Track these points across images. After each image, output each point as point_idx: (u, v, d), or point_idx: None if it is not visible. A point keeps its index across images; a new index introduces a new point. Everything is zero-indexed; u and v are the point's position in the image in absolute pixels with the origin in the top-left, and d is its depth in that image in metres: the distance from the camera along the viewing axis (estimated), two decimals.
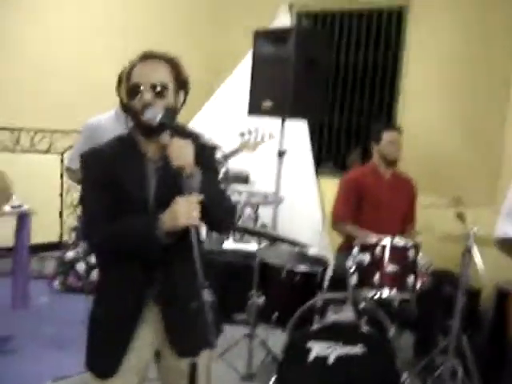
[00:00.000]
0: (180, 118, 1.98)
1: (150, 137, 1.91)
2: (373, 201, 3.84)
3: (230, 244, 4.62)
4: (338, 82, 5.98)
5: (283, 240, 3.64)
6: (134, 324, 1.97)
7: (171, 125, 1.86)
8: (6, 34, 5.18)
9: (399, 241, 3.16)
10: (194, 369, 1.79)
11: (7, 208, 4.02)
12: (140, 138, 1.95)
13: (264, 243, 3.99)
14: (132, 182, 1.92)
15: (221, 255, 4.47)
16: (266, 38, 4.53)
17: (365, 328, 3.05)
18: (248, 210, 5.09)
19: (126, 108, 2.30)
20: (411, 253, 3.14)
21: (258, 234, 3.70)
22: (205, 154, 1.96)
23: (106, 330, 1.98)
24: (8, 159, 4.73)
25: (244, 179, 5.11)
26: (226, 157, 3.63)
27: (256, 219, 5.11)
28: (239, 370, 3.64)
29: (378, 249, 3.13)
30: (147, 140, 1.93)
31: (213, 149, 2.13)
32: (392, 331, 3.30)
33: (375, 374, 3.00)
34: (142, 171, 1.94)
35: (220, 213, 1.99)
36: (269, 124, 4.56)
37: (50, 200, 4.89)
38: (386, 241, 3.14)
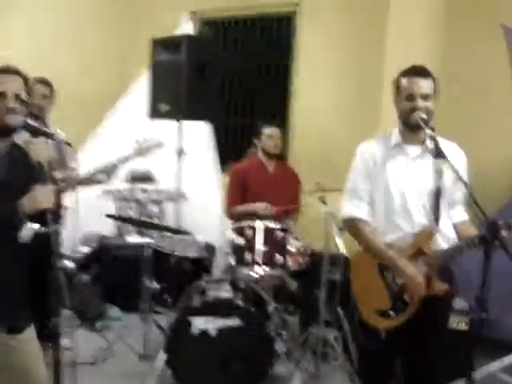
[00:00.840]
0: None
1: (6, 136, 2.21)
2: (256, 192, 4.20)
3: (132, 238, 4.94)
4: (235, 85, 6.36)
5: (169, 229, 3.97)
6: None
7: (33, 126, 2.19)
8: None
9: (268, 223, 3.54)
10: None
11: None
12: None
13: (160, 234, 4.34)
14: None
15: (123, 248, 4.83)
16: (163, 45, 4.86)
17: (240, 303, 3.43)
18: (154, 208, 5.39)
19: None
20: (279, 234, 3.52)
21: (147, 225, 4.01)
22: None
23: None
24: None
25: (148, 178, 5.42)
26: (121, 161, 3.91)
27: (162, 216, 5.41)
28: (137, 350, 3.96)
29: (250, 231, 3.51)
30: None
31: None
32: (271, 307, 3.70)
33: (251, 342, 3.39)
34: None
35: None
36: (168, 126, 4.89)
37: None
38: (258, 224, 3.53)
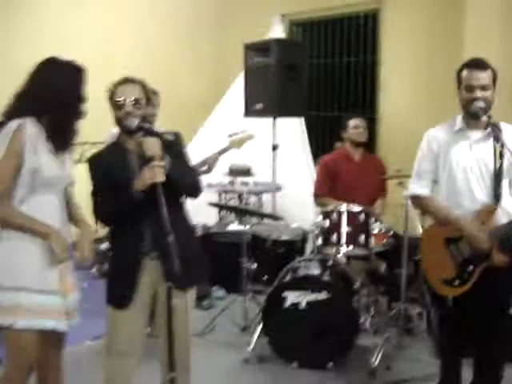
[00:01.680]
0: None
1: (131, 136, 2.74)
2: (344, 180, 4.56)
3: (233, 226, 5.46)
4: (328, 81, 6.71)
5: (264, 215, 4.43)
6: (137, 271, 2.75)
7: (144, 128, 2.69)
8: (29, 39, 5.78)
9: (352, 207, 3.90)
10: (169, 292, 2.58)
11: None
12: (125, 138, 2.78)
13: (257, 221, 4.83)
14: (119, 168, 2.75)
15: (225, 236, 5.36)
16: (254, 49, 5.35)
17: (327, 278, 3.82)
18: (252, 198, 5.89)
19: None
20: (362, 217, 3.86)
21: (245, 212, 4.49)
22: (171, 145, 2.78)
23: (118, 276, 2.80)
24: None
25: (247, 172, 5.91)
26: (220, 153, 4.41)
27: (259, 206, 5.89)
28: (238, 323, 4.45)
29: (335, 214, 3.88)
30: (129, 139, 2.76)
31: (176, 141, 2.94)
32: (357, 283, 4.05)
33: (338, 315, 3.76)
34: (126, 160, 2.77)
35: (184, 182, 2.79)
36: (263, 124, 5.34)
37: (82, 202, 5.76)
38: (342, 207, 3.90)
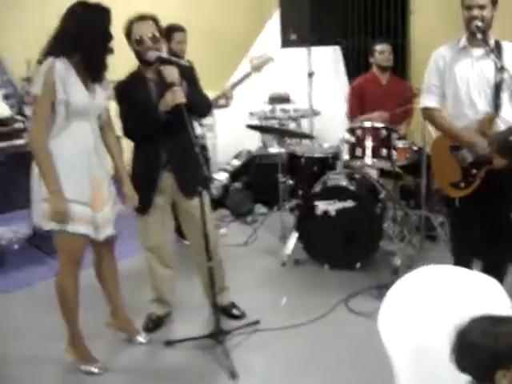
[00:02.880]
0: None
1: (150, 66, 3.20)
2: (372, 102, 4.93)
3: (273, 149, 5.93)
4: (361, 10, 6.88)
5: (298, 134, 4.87)
6: (156, 180, 3.29)
7: (163, 58, 3.16)
8: None
9: (375, 124, 4.29)
10: (201, 197, 3.10)
11: None
12: (144, 69, 3.25)
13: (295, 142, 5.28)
14: (142, 94, 3.22)
15: (266, 157, 5.86)
16: None
17: (353, 188, 4.26)
18: (292, 124, 6.30)
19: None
20: (384, 132, 4.25)
21: (280, 132, 4.94)
22: (185, 72, 3.24)
23: (140, 184, 3.28)
24: None
25: (286, 99, 6.32)
26: (241, 80, 4.68)
27: (299, 130, 6.30)
28: (276, 232, 5.02)
29: (360, 130, 4.29)
30: (148, 69, 3.23)
31: (190, 68, 3.40)
32: (383, 193, 4.47)
33: (364, 221, 4.21)
34: (146, 87, 3.24)
35: (198, 104, 3.27)
36: (299, 54, 5.67)
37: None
38: (366, 124, 4.30)
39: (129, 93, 3.22)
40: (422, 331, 1.89)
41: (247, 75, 4.48)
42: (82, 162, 2.93)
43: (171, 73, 3.10)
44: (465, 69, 3.26)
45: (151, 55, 3.12)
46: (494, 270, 3.32)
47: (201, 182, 3.05)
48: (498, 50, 3.17)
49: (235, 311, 3.68)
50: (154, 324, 3.58)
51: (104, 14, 2.90)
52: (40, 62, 2.85)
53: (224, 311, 3.62)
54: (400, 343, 1.84)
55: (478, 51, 3.24)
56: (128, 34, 3.17)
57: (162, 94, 3.12)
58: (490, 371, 1.42)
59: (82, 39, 2.85)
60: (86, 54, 2.89)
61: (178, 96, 3.04)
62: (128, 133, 3.26)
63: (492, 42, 3.20)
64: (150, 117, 3.14)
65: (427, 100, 3.44)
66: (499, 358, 1.41)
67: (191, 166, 3.00)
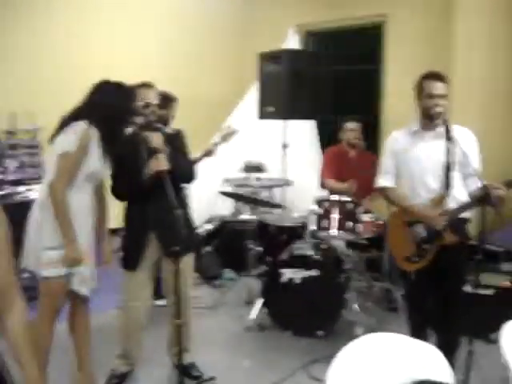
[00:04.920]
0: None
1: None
2: (341, 172, 5.16)
3: (244, 216, 6.12)
4: (339, 87, 7.29)
5: (268, 204, 5.06)
6: (144, 241, 3.47)
7: (150, 124, 3.42)
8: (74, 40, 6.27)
9: (341, 197, 4.51)
10: (177, 254, 3.20)
11: None
12: (140, 131, 3.47)
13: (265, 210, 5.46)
14: (132, 156, 3.43)
15: (237, 224, 6.04)
16: (267, 58, 5.94)
17: (318, 257, 4.43)
18: (265, 192, 6.51)
19: None
20: (350, 205, 4.46)
21: (252, 200, 5.12)
22: (170, 138, 3.49)
23: (130, 244, 3.50)
24: None
25: (261, 168, 6.55)
26: (215, 145, 4.91)
27: (271, 199, 6.50)
28: (243, 297, 5.14)
29: (327, 203, 4.49)
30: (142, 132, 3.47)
31: (175, 134, 3.62)
32: (347, 264, 4.65)
33: (327, 290, 4.35)
34: (138, 151, 3.45)
35: (180, 170, 3.44)
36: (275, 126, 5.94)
37: None
38: (333, 197, 4.51)
39: (120, 155, 3.40)
40: None
41: (216, 144, 4.73)
42: (81, 219, 3.18)
43: (155, 139, 3.33)
44: (417, 152, 3.50)
45: (139, 121, 3.39)
46: (447, 342, 3.48)
47: (179, 244, 3.19)
48: (447, 132, 3.41)
49: (195, 372, 3.76)
50: (117, 380, 3.65)
51: (128, 92, 3.28)
52: (65, 123, 3.13)
53: (184, 370, 3.70)
54: None
55: (430, 134, 3.49)
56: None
57: (150, 158, 3.34)
58: None
59: (106, 113, 3.17)
60: (109, 127, 3.20)
61: (161, 163, 3.25)
62: (115, 192, 3.49)
63: (442, 126, 3.44)
64: (136, 180, 3.35)
65: (383, 180, 3.68)
66: None
67: (172, 228, 3.15)
